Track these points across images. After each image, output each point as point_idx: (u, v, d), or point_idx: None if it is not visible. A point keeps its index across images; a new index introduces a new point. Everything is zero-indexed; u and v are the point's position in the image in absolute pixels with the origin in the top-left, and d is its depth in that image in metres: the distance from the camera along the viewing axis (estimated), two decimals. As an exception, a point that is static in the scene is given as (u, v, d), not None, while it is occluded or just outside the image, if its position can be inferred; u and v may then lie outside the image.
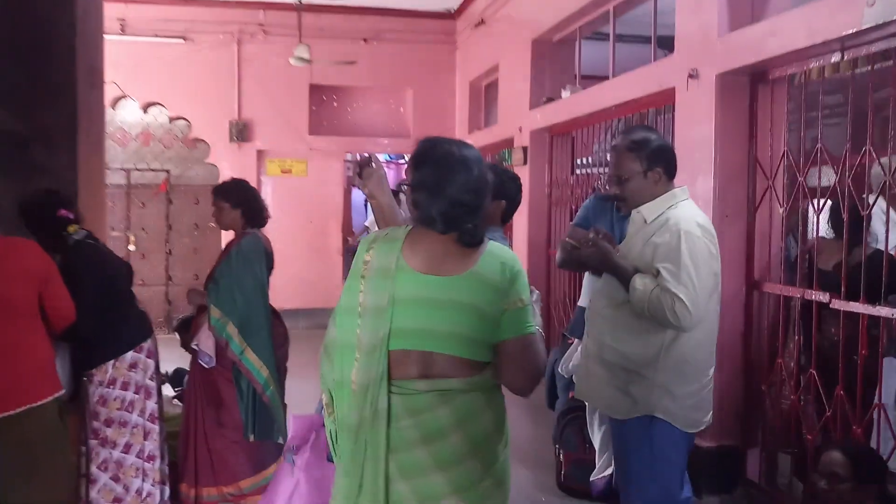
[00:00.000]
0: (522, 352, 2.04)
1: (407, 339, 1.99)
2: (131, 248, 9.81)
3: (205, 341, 3.94)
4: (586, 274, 3.97)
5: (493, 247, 2.10)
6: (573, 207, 6.74)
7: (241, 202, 4.07)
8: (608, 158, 3.50)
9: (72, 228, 3.63)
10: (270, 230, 4.24)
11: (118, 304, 3.71)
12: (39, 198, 3.64)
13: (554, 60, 7.71)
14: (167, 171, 10.05)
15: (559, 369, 4.41)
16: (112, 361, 3.66)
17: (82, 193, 5.03)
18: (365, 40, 10.11)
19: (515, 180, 3.20)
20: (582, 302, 4.16)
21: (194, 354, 4.02)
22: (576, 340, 4.15)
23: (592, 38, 7.53)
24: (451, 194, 2.00)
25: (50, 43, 4.89)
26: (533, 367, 2.08)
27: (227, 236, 5.53)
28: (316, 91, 10.26)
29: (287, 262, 9.92)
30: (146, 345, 3.80)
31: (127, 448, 3.68)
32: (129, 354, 3.71)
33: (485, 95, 10.07)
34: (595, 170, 6.64)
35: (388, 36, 10.16)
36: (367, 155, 2.49)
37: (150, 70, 9.44)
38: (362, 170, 2.43)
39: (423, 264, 2.03)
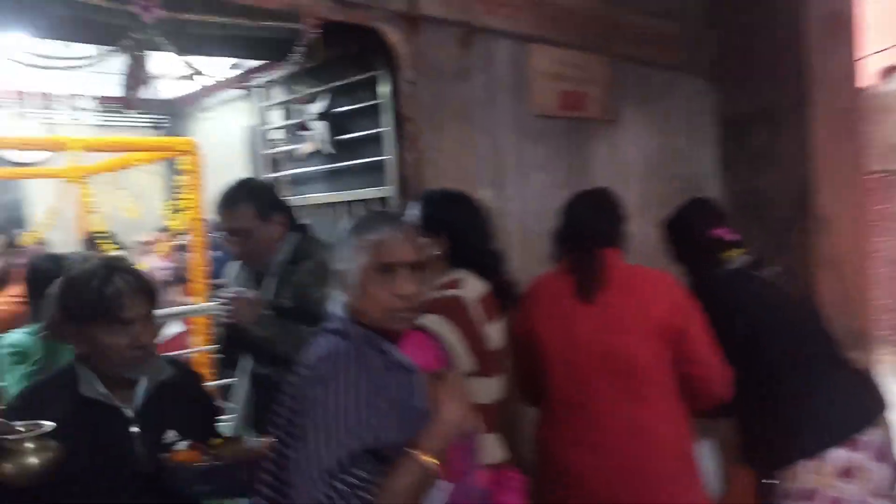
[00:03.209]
0: None
1: None
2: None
3: None
4: None
5: None
6: None
7: None
8: None
9: (730, 254, 2.42)
10: None
11: (801, 372, 2.30)
12: (686, 211, 2.57)
13: None
14: None
15: None
16: (805, 462, 2.26)
17: (822, 188, 3.72)
18: None
19: None
20: None
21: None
22: None
23: None
24: None
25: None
26: None
27: None
28: None
29: None
30: (866, 437, 2.25)
31: None
32: (836, 453, 2.24)
33: None
34: None
35: None
36: None
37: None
38: None
39: None
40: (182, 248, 6.13)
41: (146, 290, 1.63)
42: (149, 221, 6.52)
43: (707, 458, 2.29)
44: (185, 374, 1.82)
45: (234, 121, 7.55)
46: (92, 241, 4.57)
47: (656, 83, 3.59)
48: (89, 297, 1.58)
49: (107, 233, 4.96)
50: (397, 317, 1.44)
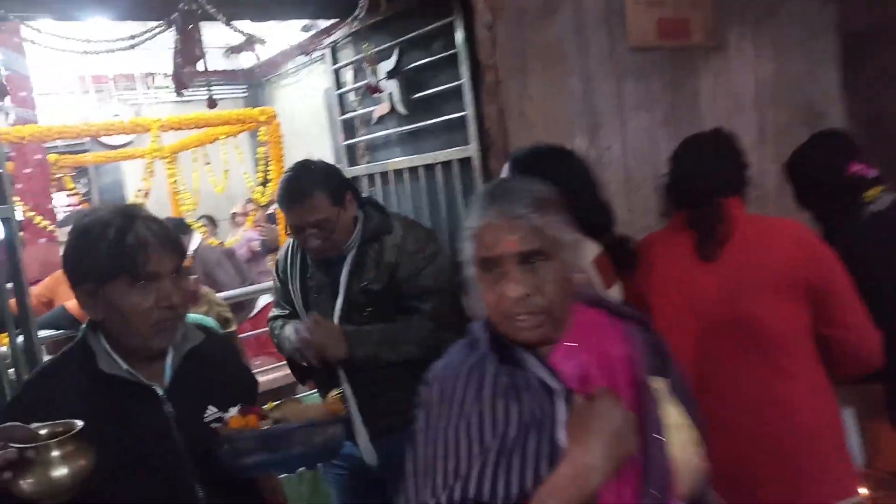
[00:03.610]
0: None
1: None
2: None
3: None
4: None
5: None
6: None
7: None
8: None
9: (871, 193, 2.07)
10: None
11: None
12: (815, 147, 2.22)
13: None
14: None
15: None
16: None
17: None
18: None
19: None
20: None
21: None
22: None
23: None
24: None
25: None
26: None
27: None
28: None
29: None
30: None
31: None
32: None
33: None
34: None
35: None
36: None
37: None
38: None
39: None
40: (271, 218, 6.13)
41: (173, 241, 1.34)
42: (238, 193, 6.56)
43: (849, 429, 1.99)
44: (214, 340, 1.54)
45: (314, 86, 7.46)
46: (179, 219, 4.59)
47: (767, -1, 3.15)
48: (106, 249, 1.27)
49: (188, 212, 4.97)
50: (515, 325, 1.11)
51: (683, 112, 2.84)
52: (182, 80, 1.87)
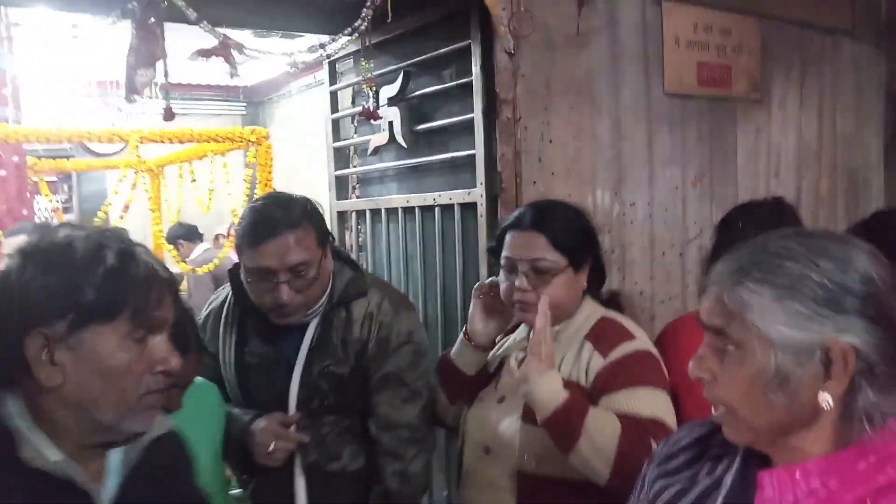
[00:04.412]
0: None
1: None
2: None
3: None
4: None
5: None
6: None
7: None
8: None
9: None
10: None
11: None
12: (878, 223, 1.92)
13: None
14: None
15: None
16: None
17: None
18: None
19: None
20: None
21: None
22: None
23: None
24: None
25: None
26: None
27: None
28: None
29: None
30: None
31: None
32: None
33: None
34: None
35: None
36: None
37: None
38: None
39: None
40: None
41: (176, 285, 1.01)
42: (226, 214, 6.21)
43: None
44: (175, 434, 1.10)
45: (316, 108, 7.17)
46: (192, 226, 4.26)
47: (814, 51, 2.86)
48: (102, 277, 0.89)
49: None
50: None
51: (717, 171, 2.53)
52: (133, 82, 1.53)
